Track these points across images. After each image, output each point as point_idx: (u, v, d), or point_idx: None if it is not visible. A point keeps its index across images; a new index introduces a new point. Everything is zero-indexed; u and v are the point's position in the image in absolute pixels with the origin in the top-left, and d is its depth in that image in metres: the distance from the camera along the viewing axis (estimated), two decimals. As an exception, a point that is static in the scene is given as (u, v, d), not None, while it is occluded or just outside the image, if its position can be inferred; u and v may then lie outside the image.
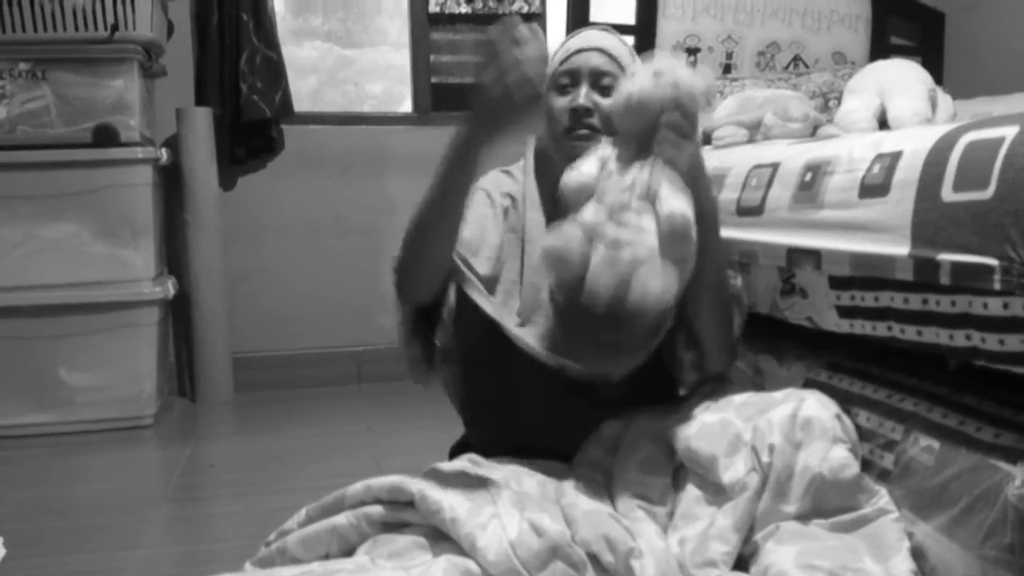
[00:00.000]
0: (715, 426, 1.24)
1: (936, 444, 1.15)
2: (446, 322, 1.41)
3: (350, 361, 3.11)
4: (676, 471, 1.28)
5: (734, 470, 1.19)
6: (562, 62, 1.34)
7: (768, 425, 1.20)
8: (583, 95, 1.31)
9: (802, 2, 2.85)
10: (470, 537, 1.09)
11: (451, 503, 1.11)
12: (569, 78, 1.33)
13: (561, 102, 1.33)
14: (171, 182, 2.84)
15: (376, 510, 1.17)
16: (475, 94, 1.10)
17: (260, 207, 3.03)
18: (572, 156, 1.29)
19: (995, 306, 1.04)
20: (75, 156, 2.50)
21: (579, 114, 1.30)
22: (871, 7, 2.94)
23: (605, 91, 1.32)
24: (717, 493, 1.20)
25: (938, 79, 2.48)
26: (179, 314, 2.93)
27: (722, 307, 1.36)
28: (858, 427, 1.26)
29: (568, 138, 1.32)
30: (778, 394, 1.28)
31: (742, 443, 1.20)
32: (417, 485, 1.13)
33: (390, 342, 3.17)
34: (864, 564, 1.09)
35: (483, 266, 1.34)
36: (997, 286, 1.01)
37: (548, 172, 1.35)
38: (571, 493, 1.22)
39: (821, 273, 1.38)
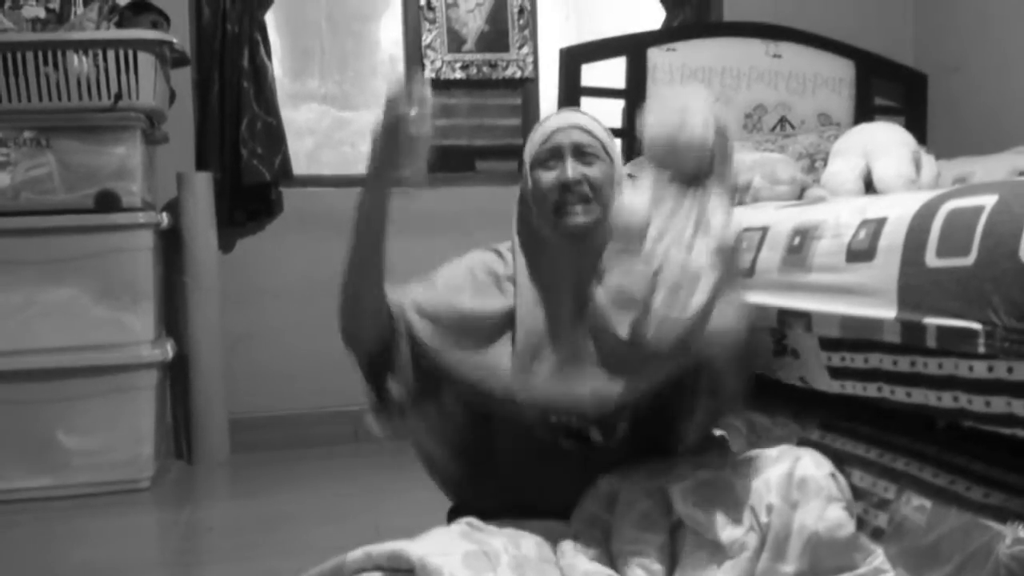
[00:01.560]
0: (712, 484, 1.26)
1: (928, 503, 1.17)
2: (403, 370, 1.39)
3: (348, 421, 3.09)
4: (674, 528, 1.29)
5: (731, 528, 1.20)
6: (543, 142, 1.35)
7: (765, 485, 1.22)
8: (570, 168, 1.31)
9: (787, 65, 2.94)
10: (470, 605, 1.09)
11: (451, 570, 1.11)
12: (551, 155, 1.34)
13: (548, 177, 1.33)
14: (171, 245, 2.87)
15: (377, 579, 1.18)
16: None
17: (258, 269, 3.06)
18: (567, 231, 1.31)
19: (980, 369, 1.07)
20: (77, 221, 2.53)
21: (568, 187, 1.31)
22: (855, 70, 3.03)
23: (589, 162, 1.33)
24: (715, 551, 1.21)
25: (921, 139, 2.54)
26: (176, 375, 2.93)
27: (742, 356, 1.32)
28: (852, 486, 1.28)
29: (560, 213, 1.32)
30: (773, 451, 1.29)
31: (739, 502, 1.22)
32: (417, 552, 1.13)
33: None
34: (861, 625, 1.11)
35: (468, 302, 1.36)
36: (981, 350, 1.04)
37: (540, 251, 1.36)
38: (570, 553, 1.23)
39: (812, 335, 1.41)
